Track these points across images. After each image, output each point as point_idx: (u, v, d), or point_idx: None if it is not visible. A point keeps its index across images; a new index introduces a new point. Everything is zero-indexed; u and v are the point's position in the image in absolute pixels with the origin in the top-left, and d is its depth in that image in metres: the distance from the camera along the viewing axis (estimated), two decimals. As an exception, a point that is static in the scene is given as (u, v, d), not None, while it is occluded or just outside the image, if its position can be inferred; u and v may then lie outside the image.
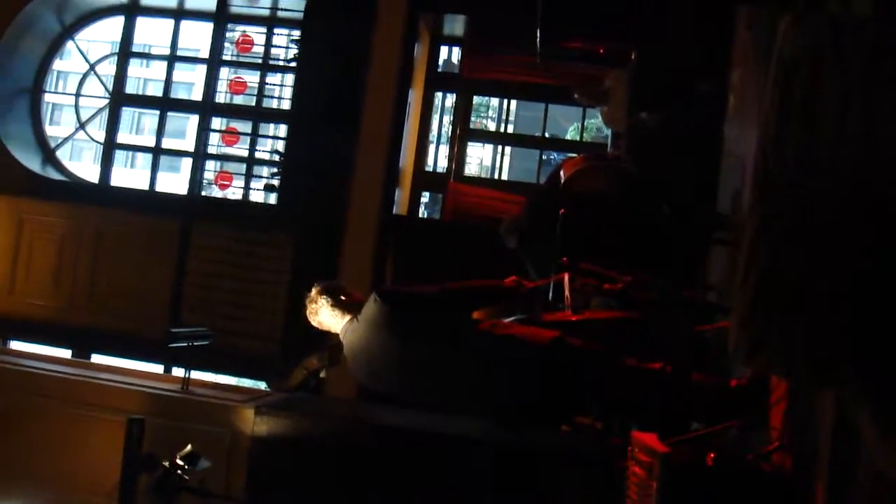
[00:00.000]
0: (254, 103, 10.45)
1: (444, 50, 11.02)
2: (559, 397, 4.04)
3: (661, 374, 3.93)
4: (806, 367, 2.47)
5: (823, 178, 2.29)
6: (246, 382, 10.68)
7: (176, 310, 9.12)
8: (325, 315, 4.27)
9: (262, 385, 9.64)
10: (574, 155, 8.02)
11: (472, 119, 11.17)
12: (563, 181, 5.81)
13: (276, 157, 9.90)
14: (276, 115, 10.65)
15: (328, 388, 8.47)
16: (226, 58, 10.29)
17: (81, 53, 11.32)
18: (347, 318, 4.19)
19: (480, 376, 3.95)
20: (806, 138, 2.32)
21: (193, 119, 10.97)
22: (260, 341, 8.81)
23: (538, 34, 5.71)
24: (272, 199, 9.91)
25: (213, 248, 9.30)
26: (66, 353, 9.65)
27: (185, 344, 7.75)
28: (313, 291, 4.30)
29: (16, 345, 9.98)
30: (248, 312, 9.17)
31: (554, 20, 5.58)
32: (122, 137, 11.52)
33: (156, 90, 17.41)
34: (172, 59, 10.86)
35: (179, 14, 10.68)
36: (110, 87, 10.70)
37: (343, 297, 4.24)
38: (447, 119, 10.66)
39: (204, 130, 9.84)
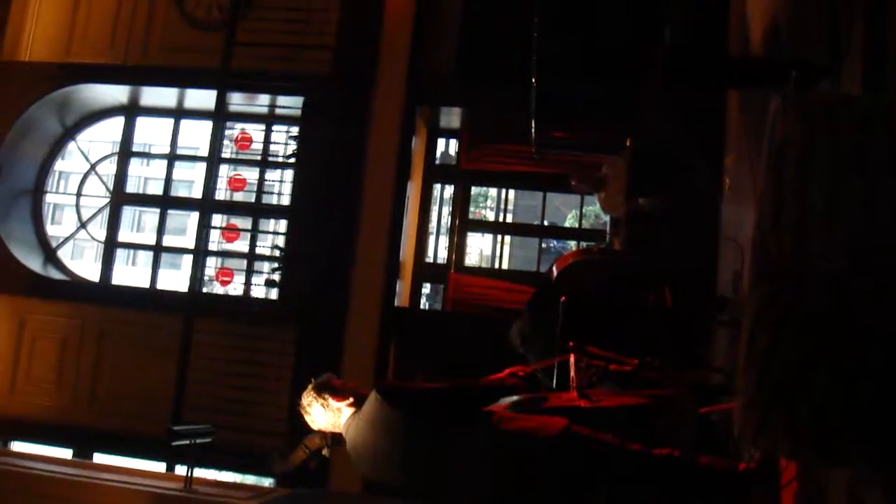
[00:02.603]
0: (253, 199, 10.53)
1: (441, 142, 11.13)
2: (568, 489, 3.98)
3: (670, 460, 3.89)
4: (813, 447, 2.45)
5: (820, 257, 2.30)
6: (250, 479, 10.54)
7: (178, 407, 9.06)
8: (318, 413, 4.22)
9: (267, 482, 9.53)
10: (573, 244, 8.05)
11: (471, 209, 11.23)
12: (554, 277, 5.82)
13: (277, 253, 9.93)
14: (275, 211, 10.72)
15: (333, 480, 8.37)
16: (225, 155, 10.40)
17: (82, 153, 11.44)
18: (347, 413, 4.15)
19: (488, 473, 3.90)
20: (801, 218, 2.34)
21: (194, 216, 11.02)
22: (264, 437, 8.72)
23: (533, 126, 5.77)
24: (273, 294, 9.92)
25: (215, 344, 9.27)
26: (67, 454, 9.57)
27: (188, 442, 7.69)
28: (306, 391, 4.26)
29: (17, 446, 9.90)
30: (252, 408, 9.10)
31: (548, 113, 5.64)
32: (123, 236, 11.58)
33: (156, 188, 17.55)
34: (172, 157, 10.98)
35: (179, 113, 10.82)
36: (111, 187, 10.81)
37: (336, 395, 4.18)
38: (446, 210, 10.72)
39: (204, 227, 9.89)
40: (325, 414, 4.19)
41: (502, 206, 13.01)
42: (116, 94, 10.58)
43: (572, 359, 4.48)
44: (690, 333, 6.12)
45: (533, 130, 5.81)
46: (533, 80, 5.36)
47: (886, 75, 3.36)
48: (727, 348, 6.01)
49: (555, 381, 4.77)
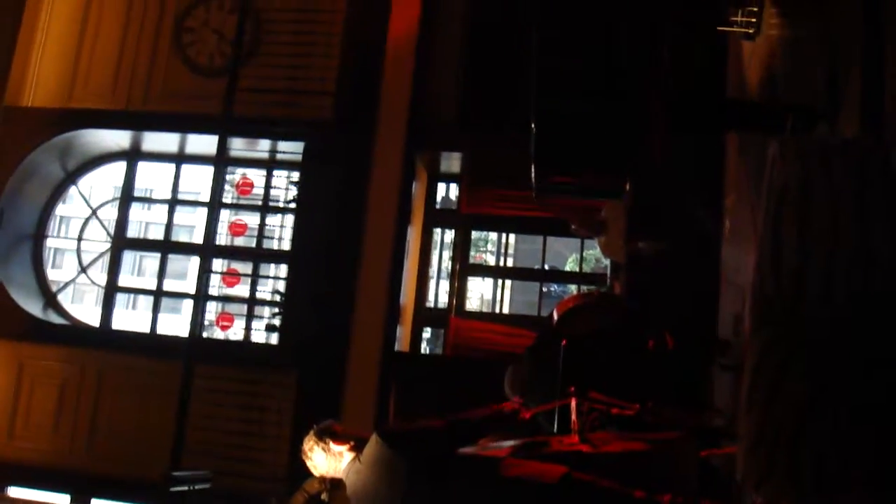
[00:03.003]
0: (254, 244, 10.55)
1: (441, 187, 11.16)
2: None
3: (671, 506, 3.86)
4: (816, 493, 2.44)
5: (820, 304, 2.29)
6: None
7: (178, 452, 9.00)
8: (319, 458, 4.20)
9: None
10: (573, 288, 8.05)
11: (472, 253, 11.24)
12: (555, 322, 5.81)
13: (277, 298, 9.93)
14: (276, 256, 10.74)
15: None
16: (226, 200, 10.42)
17: (84, 198, 11.48)
18: (348, 457, 4.13)
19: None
20: (801, 262, 2.34)
21: (194, 260, 11.04)
22: (264, 482, 8.67)
23: (533, 171, 5.80)
24: (274, 339, 9.90)
25: (215, 389, 9.24)
26: (65, 499, 9.50)
27: (186, 487, 7.64)
28: (307, 436, 4.24)
29: (14, 491, 9.83)
30: (252, 453, 9.06)
31: (548, 158, 5.67)
32: (123, 280, 11.58)
33: (157, 232, 17.59)
34: (173, 202, 11.00)
35: (180, 158, 10.87)
36: (112, 231, 10.82)
37: (337, 440, 4.16)
38: (447, 254, 10.73)
39: (205, 272, 9.89)
40: (327, 459, 4.16)
41: (503, 251, 13.02)
42: (118, 139, 10.63)
43: (573, 403, 4.47)
44: (691, 377, 6.09)
45: (533, 175, 5.84)
46: (532, 126, 5.39)
47: (883, 120, 3.38)
48: (729, 392, 5.99)
49: (556, 426, 4.75)
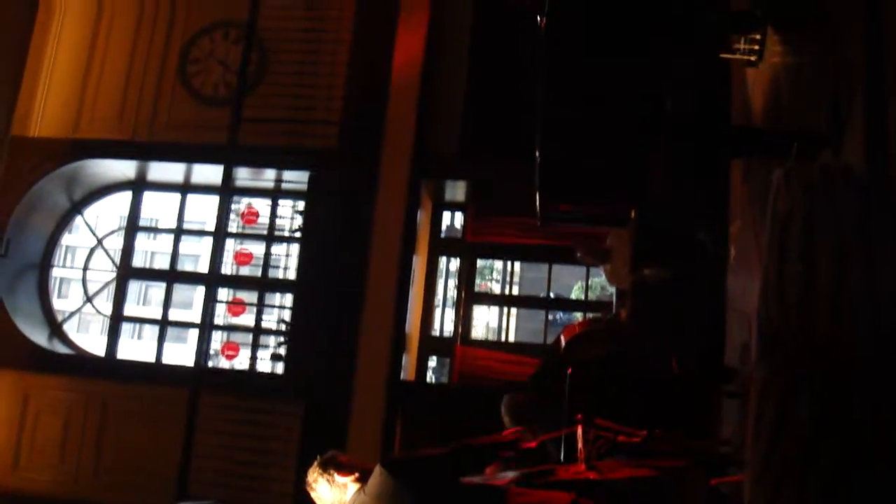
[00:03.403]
0: (260, 274, 10.55)
1: (446, 215, 11.16)
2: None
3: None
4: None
5: (826, 333, 2.29)
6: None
7: (183, 482, 8.98)
8: (323, 490, 4.18)
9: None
10: (579, 315, 8.03)
11: (477, 282, 11.21)
12: (563, 347, 5.81)
13: (283, 327, 9.92)
14: (281, 285, 10.74)
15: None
16: (231, 229, 10.44)
17: (89, 228, 11.50)
18: (353, 489, 4.11)
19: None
20: (806, 290, 2.33)
21: (200, 290, 11.04)
22: (269, 512, 8.66)
23: (538, 199, 5.80)
24: (279, 368, 9.89)
25: (220, 419, 9.22)
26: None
27: (192, 517, 7.62)
28: (312, 467, 4.22)
29: (18, 523, 9.80)
30: (257, 483, 9.04)
31: (552, 186, 5.68)
32: (129, 309, 11.58)
33: (163, 261, 17.60)
34: (179, 231, 11.02)
35: (186, 188, 10.90)
36: (117, 261, 10.84)
37: (341, 471, 4.15)
38: (452, 283, 10.72)
39: (210, 302, 9.90)
40: (331, 490, 4.15)
41: (508, 279, 13.00)
42: (124, 169, 10.67)
43: (580, 430, 4.45)
44: (698, 405, 6.07)
45: (538, 203, 5.84)
46: (537, 154, 5.40)
47: (888, 145, 3.38)
48: (735, 419, 5.96)
49: (562, 454, 4.73)
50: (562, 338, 6.04)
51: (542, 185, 5.61)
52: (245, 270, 10.75)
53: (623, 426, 4.55)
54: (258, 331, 10.33)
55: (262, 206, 10.34)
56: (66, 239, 11.89)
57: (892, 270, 2.25)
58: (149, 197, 11.17)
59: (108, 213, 15.37)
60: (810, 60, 4.88)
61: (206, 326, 9.79)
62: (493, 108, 9.26)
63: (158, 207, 14.42)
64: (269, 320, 10.41)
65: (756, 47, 5.99)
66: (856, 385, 2.28)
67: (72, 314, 11.59)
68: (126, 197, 11.01)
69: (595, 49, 5.07)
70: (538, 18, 5.62)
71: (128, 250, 10.95)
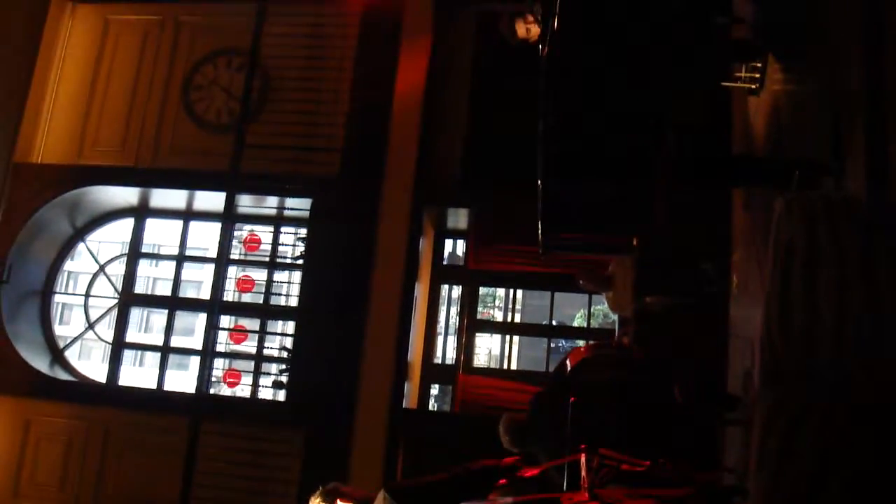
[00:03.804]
0: (262, 301, 10.55)
1: (448, 243, 11.16)
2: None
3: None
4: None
5: (829, 362, 2.28)
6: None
7: (184, 510, 8.96)
8: None
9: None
10: (581, 343, 8.02)
11: (479, 309, 11.19)
12: (568, 372, 5.79)
13: (285, 354, 9.90)
14: (283, 313, 10.73)
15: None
16: (234, 256, 10.44)
17: (92, 255, 11.50)
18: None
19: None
20: (809, 321, 2.33)
21: (202, 316, 11.03)
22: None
23: (540, 228, 5.80)
24: (281, 395, 9.86)
25: (221, 446, 9.19)
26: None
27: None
28: (313, 496, 4.22)
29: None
30: (258, 511, 9.01)
31: (554, 215, 5.68)
32: (130, 336, 11.57)
33: (165, 288, 17.62)
34: (181, 258, 11.03)
35: (188, 215, 10.91)
36: (119, 287, 10.84)
37: (344, 500, 4.14)
38: (454, 310, 10.70)
39: (212, 329, 9.89)
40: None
41: (510, 306, 12.98)
42: (127, 195, 10.69)
43: (583, 459, 4.44)
44: (701, 433, 6.05)
45: (540, 232, 5.84)
46: (539, 183, 5.41)
47: (889, 172, 3.38)
48: (739, 447, 5.94)
49: (565, 481, 4.71)
50: (567, 361, 6.02)
51: (544, 215, 5.62)
52: (247, 297, 10.71)
53: (627, 455, 4.54)
54: (260, 358, 10.31)
55: (264, 232, 10.34)
56: (69, 265, 11.91)
57: (894, 297, 2.25)
58: (151, 223, 11.19)
59: (111, 239, 15.35)
60: (811, 89, 4.89)
61: (208, 353, 9.78)
62: (495, 136, 9.29)
63: (161, 234, 14.43)
64: (271, 347, 10.38)
65: (757, 76, 6.01)
66: (860, 416, 2.27)
67: (73, 340, 11.57)
68: (128, 224, 11.03)
69: (596, 80, 5.08)
70: (540, 48, 5.65)
71: (130, 277, 10.96)
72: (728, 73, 6.39)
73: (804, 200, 2.45)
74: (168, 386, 10.63)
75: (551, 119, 5.13)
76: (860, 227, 2.30)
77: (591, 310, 11.70)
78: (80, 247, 11.54)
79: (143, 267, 13.68)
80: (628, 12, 5.16)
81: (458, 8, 10.00)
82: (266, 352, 10.37)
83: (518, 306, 15.37)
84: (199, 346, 10.18)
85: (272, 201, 10.36)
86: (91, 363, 24.49)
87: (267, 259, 10.46)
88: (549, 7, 5.37)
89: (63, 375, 10.41)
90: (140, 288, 13.99)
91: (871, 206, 2.38)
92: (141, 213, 10.97)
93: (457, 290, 10.63)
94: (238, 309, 11.04)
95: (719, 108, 7.27)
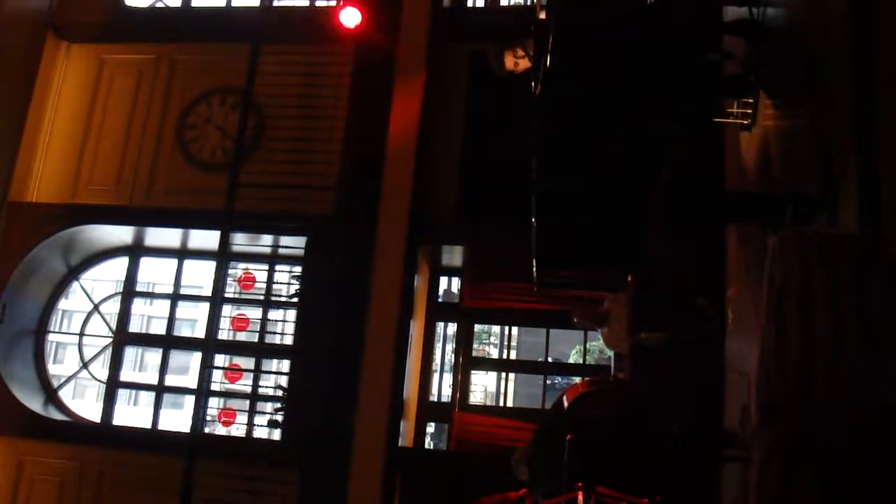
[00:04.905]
0: (256, 339, 10.52)
1: (443, 280, 11.16)
2: None
3: None
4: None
5: (826, 397, 2.27)
6: None
7: (179, 552, 8.88)
8: None
9: None
10: (577, 379, 8.00)
11: (475, 346, 11.18)
12: (566, 407, 5.78)
13: (280, 393, 9.87)
14: (278, 351, 10.70)
15: None
16: (228, 295, 10.42)
17: (86, 293, 11.48)
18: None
19: None
20: (805, 360, 2.32)
21: (196, 355, 11.00)
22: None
23: (534, 266, 5.81)
24: (276, 434, 9.82)
25: (217, 486, 9.11)
26: None
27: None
28: None
29: None
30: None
31: (549, 253, 5.69)
32: (125, 374, 11.53)
33: (159, 326, 17.57)
34: (175, 297, 11.01)
35: (182, 253, 10.92)
36: (114, 326, 10.81)
37: None
38: (449, 347, 10.68)
39: (207, 368, 9.85)
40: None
41: (506, 343, 12.96)
42: (121, 234, 10.70)
43: (580, 497, 4.42)
44: (699, 469, 6.03)
45: (534, 270, 5.84)
46: (533, 221, 5.42)
47: (882, 205, 3.39)
48: (736, 484, 5.92)
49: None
50: (564, 399, 6.01)
51: (538, 253, 5.63)
52: (242, 336, 10.70)
53: (624, 492, 4.52)
54: (255, 397, 10.27)
55: (258, 270, 10.33)
56: (63, 304, 11.87)
57: (890, 337, 2.24)
58: (145, 262, 11.19)
59: (105, 277, 15.33)
60: (803, 123, 4.91)
61: (203, 393, 9.73)
62: (490, 174, 9.32)
63: (155, 272, 14.43)
64: (266, 386, 10.35)
65: (749, 111, 6.05)
66: (858, 455, 2.27)
67: (67, 380, 11.52)
68: (123, 262, 11.03)
69: (589, 117, 5.11)
70: (533, 85, 5.68)
71: (124, 315, 10.93)
72: (720, 109, 6.42)
73: (797, 239, 2.45)
74: (163, 425, 10.58)
75: (544, 157, 5.15)
76: (854, 266, 2.30)
77: (587, 346, 11.69)
78: (75, 285, 11.52)
79: (138, 305, 13.66)
80: (621, 51, 5.20)
81: (452, 45, 10.05)
82: (261, 390, 10.33)
83: (513, 343, 15.34)
84: (193, 384, 10.14)
85: (267, 239, 10.36)
86: (85, 402, 24.42)
87: (262, 297, 10.45)
88: (542, 45, 5.40)
89: (57, 415, 10.36)
90: (135, 326, 13.96)
91: (865, 246, 2.38)
92: (135, 251, 10.97)
93: (452, 328, 10.62)
94: (233, 347, 11.01)
95: (712, 144, 7.30)
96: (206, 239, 10.27)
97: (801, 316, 2.32)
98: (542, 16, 5.96)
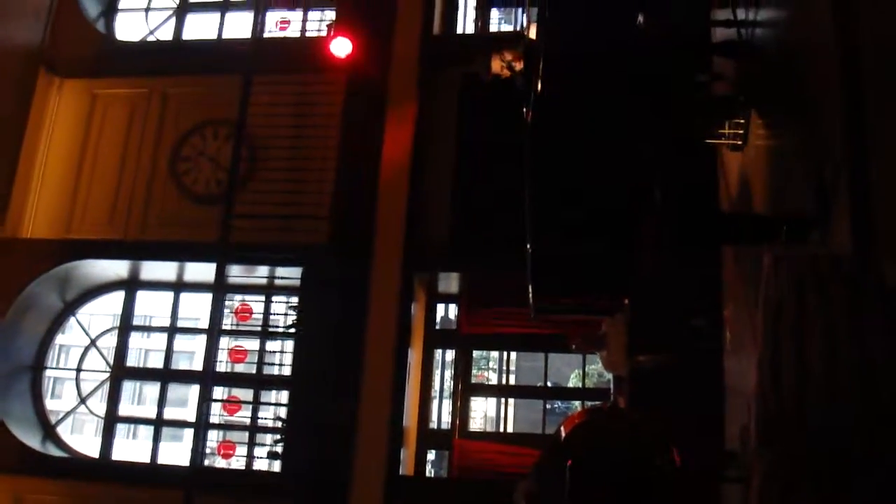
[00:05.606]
0: (254, 371, 10.49)
1: (440, 307, 11.14)
2: None
3: None
4: None
5: (822, 419, 2.27)
6: None
7: (178, 586, 8.82)
8: None
9: None
10: (577, 404, 7.98)
11: (474, 372, 11.16)
12: (563, 438, 5.75)
13: (279, 424, 9.84)
14: (277, 382, 10.67)
15: None
16: (225, 327, 10.41)
17: (83, 328, 11.46)
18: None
19: None
20: (800, 386, 2.32)
21: (195, 387, 10.96)
22: None
23: (531, 292, 5.81)
24: (276, 466, 9.78)
25: (216, 519, 9.09)
26: None
27: None
28: None
29: None
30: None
31: (545, 279, 5.68)
32: (123, 408, 11.49)
33: (157, 359, 17.54)
34: (172, 330, 10.99)
35: (179, 286, 10.90)
36: (111, 361, 10.78)
37: None
38: (448, 374, 10.66)
39: (205, 400, 9.82)
40: None
41: (504, 368, 12.93)
42: (117, 268, 10.69)
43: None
44: (700, 492, 5.99)
45: (531, 297, 5.84)
46: (528, 247, 5.41)
47: (875, 222, 3.39)
48: (738, 505, 5.89)
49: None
50: (562, 430, 5.98)
51: (534, 278, 5.62)
52: (240, 368, 10.67)
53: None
54: (254, 429, 10.23)
55: (255, 302, 10.32)
56: (60, 339, 11.85)
57: (885, 355, 2.24)
58: (142, 296, 11.17)
59: (102, 312, 15.31)
60: (794, 142, 4.92)
61: (202, 425, 9.69)
62: (484, 200, 9.32)
63: (152, 305, 14.40)
64: (265, 418, 10.31)
65: (740, 131, 6.05)
66: (856, 476, 2.25)
67: (65, 416, 11.47)
68: (119, 296, 11.01)
69: (581, 141, 5.11)
70: (524, 110, 5.69)
71: (121, 350, 10.91)
72: (712, 129, 6.43)
73: (791, 260, 2.45)
74: (162, 458, 10.53)
75: (537, 183, 5.15)
76: (848, 285, 2.30)
77: (586, 369, 11.67)
78: (71, 321, 11.50)
79: (135, 339, 13.63)
80: (611, 74, 5.21)
81: (443, 72, 10.08)
82: (260, 422, 10.30)
83: (512, 367, 15.32)
84: (192, 417, 10.10)
85: (263, 270, 10.36)
86: (84, 438, 24.29)
87: (259, 329, 10.43)
88: (533, 69, 5.41)
89: (55, 451, 10.32)
90: (132, 360, 13.93)
91: (858, 268, 2.38)
92: (131, 285, 10.96)
93: (450, 354, 10.60)
94: (231, 379, 10.99)
95: (705, 165, 7.31)
96: (202, 271, 10.26)
97: (796, 341, 2.32)
98: (532, 35, 5.98)
